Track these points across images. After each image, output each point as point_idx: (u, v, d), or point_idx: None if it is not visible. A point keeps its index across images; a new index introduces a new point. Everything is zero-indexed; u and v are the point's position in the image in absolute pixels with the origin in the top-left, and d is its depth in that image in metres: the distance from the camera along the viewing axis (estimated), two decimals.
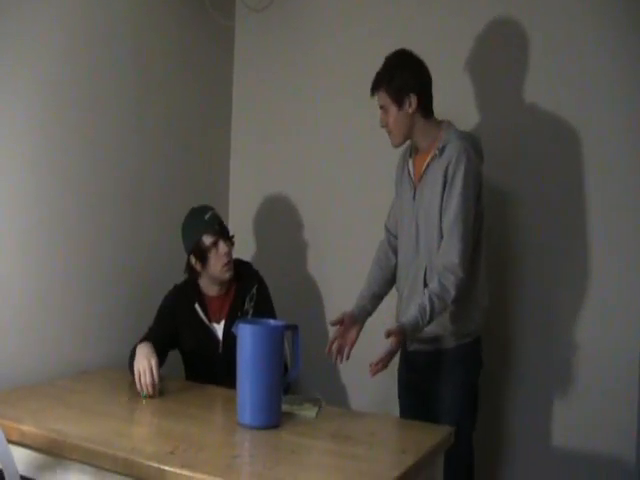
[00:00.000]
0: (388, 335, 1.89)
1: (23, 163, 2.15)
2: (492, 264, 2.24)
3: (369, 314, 2.20)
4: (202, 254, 2.24)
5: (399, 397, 2.25)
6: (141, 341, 2.13)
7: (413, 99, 2.05)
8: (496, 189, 2.40)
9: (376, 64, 2.12)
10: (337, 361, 2.09)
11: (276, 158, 3.01)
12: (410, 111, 2.06)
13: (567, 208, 2.37)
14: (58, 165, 2.26)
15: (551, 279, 2.40)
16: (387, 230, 2.29)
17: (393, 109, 2.06)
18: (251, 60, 3.08)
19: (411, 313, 1.93)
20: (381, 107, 2.10)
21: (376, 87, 2.10)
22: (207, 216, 2.27)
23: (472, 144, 2.06)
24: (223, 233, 2.28)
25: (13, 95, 2.10)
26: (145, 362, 1.98)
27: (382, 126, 2.12)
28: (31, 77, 2.16)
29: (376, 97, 2.11)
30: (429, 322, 1.94)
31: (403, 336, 1.91)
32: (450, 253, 1.95)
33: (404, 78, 2.06)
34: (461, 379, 2.06)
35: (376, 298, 2.24)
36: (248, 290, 2.30)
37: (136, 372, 1.99)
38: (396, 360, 2.23)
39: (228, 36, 3.08)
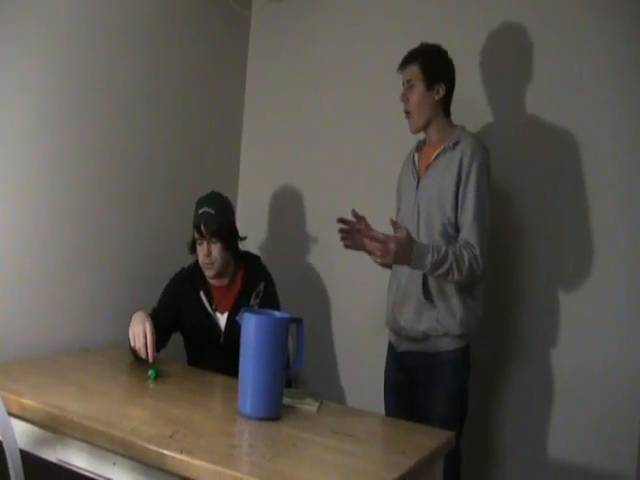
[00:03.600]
0: (396, 225, 1.86)
1: (35, 151, 2.15)
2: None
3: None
4: (193, 243, 2.27)
5: (385, 397, 2.23)
6: None
7: (442, 88, 2.06)
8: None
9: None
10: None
11: (287, 150, 3.00)
12: (436, 98, 2.06)
13: (568, 224, 2.33)
14: (69, 150, 2.27)
15: (547, 285, 2.36)
16: None
17: (421, 87, 2.05)
18: (265, 50, 3.06)
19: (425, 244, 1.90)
20: (408, 81, 2.08)
21: (411, 60, 2.08)
22: (200, 211, 2.22)
23: (485, 147, 2.06)
24: (207, 235, 2.19)
25: (26, 87, 2.09)
26: (140, 326, 1.98)
27: (402, 100, 2.10)
28: (42, 68, 2.15)
29: (403, 72, 2.09)
30: (434, 267, 1.88)
31: (409, 244, 1.83)
32: (471, 240, 1.94)
33: (441, 65, 2.08)
34: (451, 383, 2.04)
35: None
36: (255, 286, 2.28)
37: (130, 336, 1.98)
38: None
39: (244, 25, 3.06)
